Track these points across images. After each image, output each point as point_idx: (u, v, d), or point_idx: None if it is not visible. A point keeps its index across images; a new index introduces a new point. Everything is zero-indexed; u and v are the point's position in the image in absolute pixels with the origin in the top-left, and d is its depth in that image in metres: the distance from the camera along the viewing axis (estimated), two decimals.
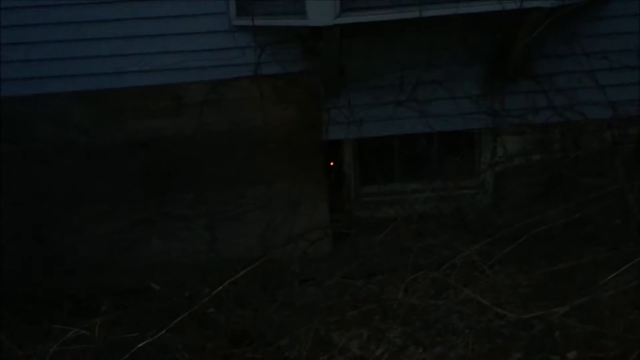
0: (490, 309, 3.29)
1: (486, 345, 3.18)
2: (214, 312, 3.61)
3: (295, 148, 4.54)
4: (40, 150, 4.42)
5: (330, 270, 4.21)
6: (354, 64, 4.41)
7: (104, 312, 3.38)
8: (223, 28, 4.27)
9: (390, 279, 4.00)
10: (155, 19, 4.25)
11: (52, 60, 4.29)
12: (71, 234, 4.50)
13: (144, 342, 2.88)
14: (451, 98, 4.47)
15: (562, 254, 3.67)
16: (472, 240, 4.08)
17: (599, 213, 3.78)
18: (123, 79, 4.35)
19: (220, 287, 3.34)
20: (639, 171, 4.04)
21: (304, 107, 4.53)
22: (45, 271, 4.41)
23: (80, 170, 4.47)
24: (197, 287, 3.99)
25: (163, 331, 2.99)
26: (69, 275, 4.39)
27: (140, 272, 4.35)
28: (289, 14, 4.05)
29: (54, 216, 4.49)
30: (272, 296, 3.95)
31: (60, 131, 4.43)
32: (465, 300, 3.43)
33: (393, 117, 4.52)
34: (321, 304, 3.79)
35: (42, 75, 4.31)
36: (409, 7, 3.86)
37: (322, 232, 4.53)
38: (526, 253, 3.71)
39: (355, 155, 4.84)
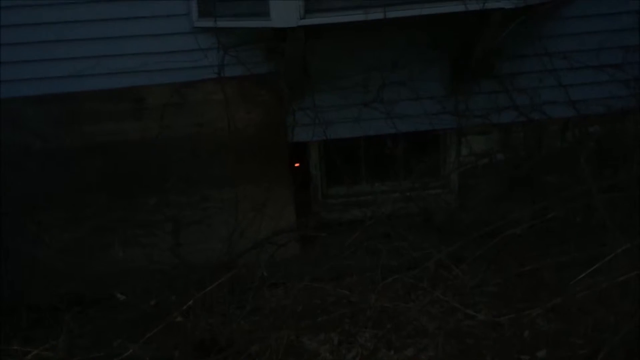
0: (459, 310, 3.29)
1: (456, 346, 3.19)
2: (181, 320, 3.52)
3: (260, 150, 4.48)
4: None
5: (298, 273, 4.17)
6: (319, 65, 4.38)
7: (66, 329, 3.25)
8: (185, 30, 4.19)
9: (359, 281, 3.97)
10: (116, 20, 4.14)
11: (10, 64, 4.14)
12: (30, 242, 4.36)
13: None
14: (416, 99, 4.47)
15: (528, 252, 3.71)
16: (439, 240, 4.10)
17: (564, 211, 3.83)
18: (83, 82, 4.22)
19: (191, 301, 3.24)
20: (600, 169, 4.11)
21: (268, 109, 4.48)
22: (4, 280, 4.26)
23: (39, 176, 4.33)
24: (163, 295, 3.90)
25: (130, 350, 2.89)
26: (29, 285, 4.24)
27: (103, 280, 4.24)
28: (253, 15, 4.00)
29: (12, 224, 4.33)
30: (240, 301, 3.89)
31: (17, 136, 4.28)
32: (435, 301, 3.44)
33: (359, 119, 4.51)
34: (290, 308, 3.74)
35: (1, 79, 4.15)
36: (373, 8, 3.85)
37: (289, 235, 4.49)
38: (494, 253, 3.73)
39: (322, 156, 4.81)
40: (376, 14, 3.84)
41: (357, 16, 3.85)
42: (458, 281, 3.63)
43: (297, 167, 4.69)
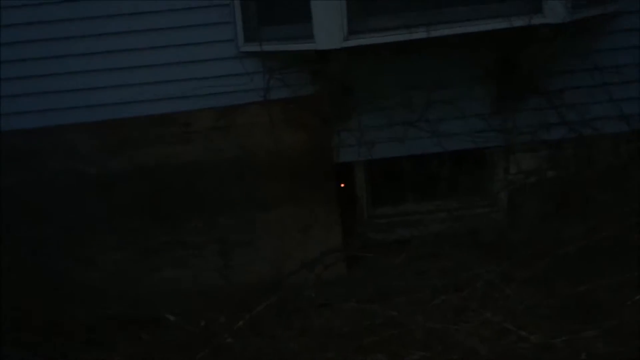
0: (511, 331, 3.21)
1: None
2: (230, 341, 3.54)
3: (306, 172, 4.50)
4: (52, 181, 4.41)
5: (345, 294, 4.14)
6: (363, 86, 4.39)
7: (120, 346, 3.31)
8: (231, 54, 4.27)
9: (407, 301, 3.92)
10: (163, 47, 4.25)
11: (62, 93, 4.29)
12: (83, 265, 4.47)
13: None
14: (462, 117, 4.43)
15: (581, 272, 3.60)
16: (488, 259, 4.02)
17: (618, 230, 3.71)
18: (132, 108, 4.34)
19: (240, 322, 3.25)
20: None
21: (314, 131, 4.50)
22: (57, 302, 4.36)
23: (91, 201, 4.45)
24: (212, 316, 3.93)
25: None
26: (81, 307, 4.34)
27: (152, 301, 4.30)
28: (297, 38, 4.05)
29: (65, 247, 4.46)
30: (288, 323, 3.88)
31: (69, 162, 4.42)
32: (486, 322, 3.36)
33: (404, 138, 4.49)
34: (338, 329, 3.71)
35: (51, 108, 4.31)
36: (416, 27, 3.85)
37: (336, 256, 4.48)
38: (545, 273, 3.63)
39: (367, 177, 4.80)
40: (420, 34, 3.84)
41: (400, 36, 3.86)
42: (509, 302, 3.54)
43: (342, 187, 4.69)
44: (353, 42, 3.87)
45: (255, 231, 4.57)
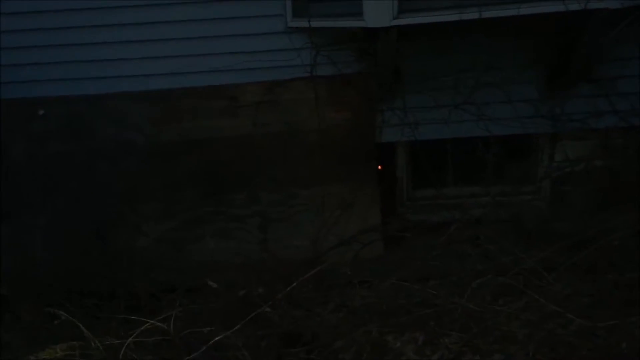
0: (552, 317, 3.19)
1: (548, 354, 3.08)
2: (269, 311, 3.60)
3: (348, 150, 4.51)
4: (101, 149, 4.52)
5: (382, 273, 4.16)
6: (409, 66, 4.36)
7: (168, 307, 3.40)
8: (279, 29, 4.29)
9: (445, 283, 3.92)
10: (213, 20, 4.29)
11: (114, 61, 4.38)
12: (128, 232, 4.58)
13: (218, 337, 2.89)
14: (510, 101, 4.37)
15: (626, 262, 3.55)
16: (530, 246, 3.98)
17: None
18: (181, 79, 4.41)
19: (281, 294, 3.31)
20: None
21: (357, 109, 4.50)
22: (104, 267, 4.48)
23: (138, 169, 4.55)
24: (250, 286, 4.00)
25: (230, 331, 2.99)
26: (127, 272, 4.45)
27: (194, 270, 4.39)
28: (346, 15, 4.04)
29: (113, 213, 4.57)
30: (325, 298, 3.93)
31: (120, 130, 4.52)
32: (525, 308, 3.34)
33: (449, 120, 4.45)
34: (375, 306, 3.74)
35: (104, 76, 4.40)
36: (468, 8, 3.80)
37: (374, 235, 4.49)
38: (588, 261, 3.59)
39: (409, 158, 4.79)
40: (471, 14, 3.78)
41: (451, 16, 3.81)
42: (549, 289, 3.51)
43: (383, 167, 4.69)
44: (403, 21, 3.83)
45: (296, 206, 4.60)
